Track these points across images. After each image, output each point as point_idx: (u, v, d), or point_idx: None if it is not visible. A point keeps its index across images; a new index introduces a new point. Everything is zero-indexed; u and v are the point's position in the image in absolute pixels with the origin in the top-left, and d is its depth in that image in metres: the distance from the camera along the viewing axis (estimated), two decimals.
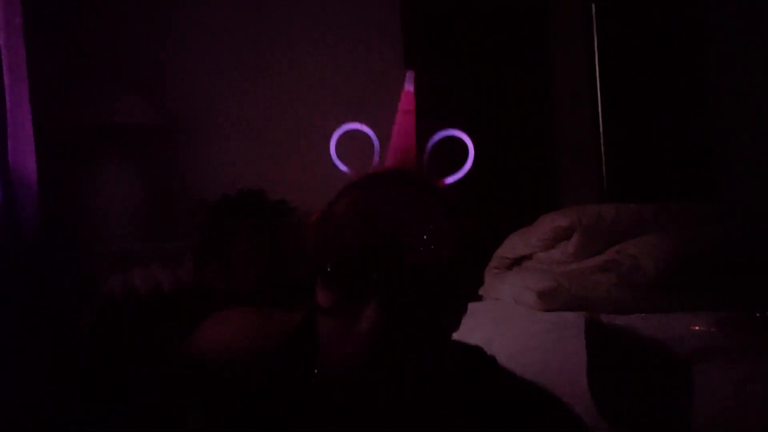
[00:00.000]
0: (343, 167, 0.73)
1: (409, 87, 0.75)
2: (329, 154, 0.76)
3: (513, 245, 2.22)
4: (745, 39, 2.61)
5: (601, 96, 2.74)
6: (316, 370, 0.72)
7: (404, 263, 0.63)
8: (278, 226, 2.17)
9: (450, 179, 0.73)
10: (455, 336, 0.74)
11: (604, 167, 2.75)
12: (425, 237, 0.64)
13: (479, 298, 2.25)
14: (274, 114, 2.38)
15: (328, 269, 0.65)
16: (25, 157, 1.65)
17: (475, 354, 0.80)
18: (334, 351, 0.66)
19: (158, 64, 2.23)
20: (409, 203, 0.66)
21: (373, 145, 0.73)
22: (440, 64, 2.61)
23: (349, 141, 0.75)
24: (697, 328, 1.50)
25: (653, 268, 1.77)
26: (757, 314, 1.55)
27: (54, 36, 2.01)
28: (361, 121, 0.75)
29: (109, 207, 1.95)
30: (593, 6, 2.75)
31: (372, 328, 0.62)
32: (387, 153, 0.74)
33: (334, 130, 0.77)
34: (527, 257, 2.19)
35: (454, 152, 0.73)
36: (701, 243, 1.84)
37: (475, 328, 1.73)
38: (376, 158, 0.73)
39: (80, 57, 2.08)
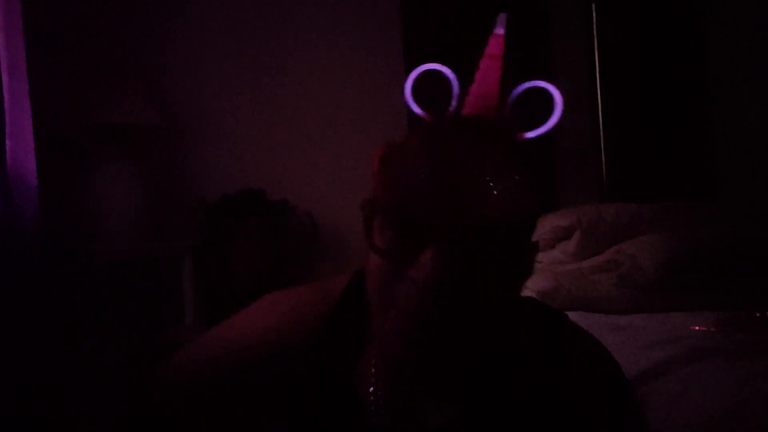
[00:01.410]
0: (417, 109, 0.68)
1: (499, 30, 0.71)
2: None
3: None
4: (745, 39, 2.61)
5: (601, 96, 2.74)
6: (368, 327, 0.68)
7: (471, 215, 0.58)
8: (278, 226, 2.17)
9: (531, 134, 0.67)
10: None
11: (604, 167, 2.75)
12: (498, 191, 0.58)
13: None
14: (275, 114, 2.38)
15: (392, 206, 0.61)
16: (25, 157, 1.65)
17: (545, 315, 0.75)
18: (387, 294, 0.61)
19: (158, 64, 2.23)
20: (485, 154, 0.61)
21: (452, 87, 0.67)
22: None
23: (426, 86, 0.70)
24: (697, 328, 1.50)
25: (653, 268, 1.77)
26: (757, 314, 1.55)
27: (54, 36, 2.00)
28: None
29: (109, 207, 1.95)
30: (593, 6, 2.75)
31: (428, 275, 0.57)
32: (467, 98, 0.69)
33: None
34: None
35: (541, 107, 0.67)
36: (701, 243, 1.84)
37: None
38: (454, 103, 0.68)
39: (80, 57, 2.08)
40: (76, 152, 2.02)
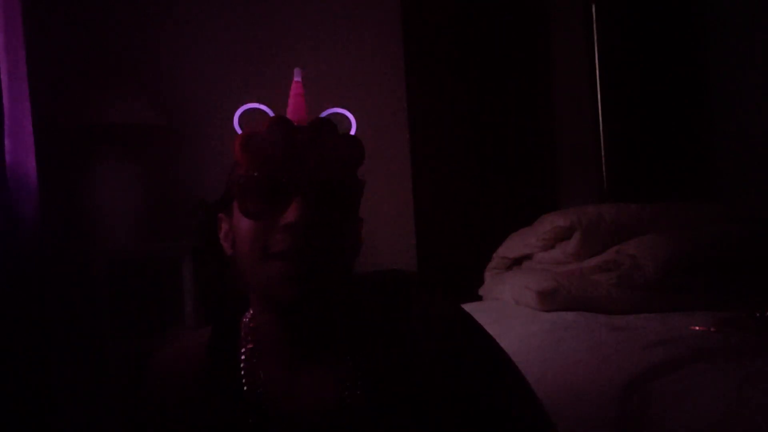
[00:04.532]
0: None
1: (297, 78, 0.95)
2: None
3: (513, 245, 2.22)
4: (745, 39, 2.61)
5: (601, 96, 2.74)
6: (242, 365, 0.83)
7: (314, 172, 0.78)
8: None
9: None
10: None
11: (604, 167, 2.75)
12: (325, 152, 0.79)
13: (479, 298, 2.25)
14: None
15: (256, 174, 0.78)
16: (25, 157, 1.65)
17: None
18: (264, 247, 0.76)
19: (158, 64, 2.22)
20: (312, 129, 0.81)
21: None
22: (440, 64, 2.61)
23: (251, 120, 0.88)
24: (697, 328, 1.50)
25: (653, 268, 1.77)
26: (757, 314, 1.55)
27: (54, 36, 2.00)
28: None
29: (109, 207, 1.95)
30: (593, 6, 2.75)
31: (298, 217, 0.74)
32: None
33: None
34: (527, 257, 2.20)
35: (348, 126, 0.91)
36: (701, 243, 1.85)
37: None
38: None
39: (80, 57, 2.08)
40: (76, 152, 2.02)
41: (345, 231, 0.80)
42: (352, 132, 0.88)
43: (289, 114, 0.90)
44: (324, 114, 0.88)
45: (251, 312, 0.87)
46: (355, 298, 0.85)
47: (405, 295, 0.86)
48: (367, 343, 0.82)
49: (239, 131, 0.84)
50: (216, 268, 2.09)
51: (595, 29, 2.75)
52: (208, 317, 2.06)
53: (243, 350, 0.84)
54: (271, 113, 0.87)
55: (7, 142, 1.61)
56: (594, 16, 2.75)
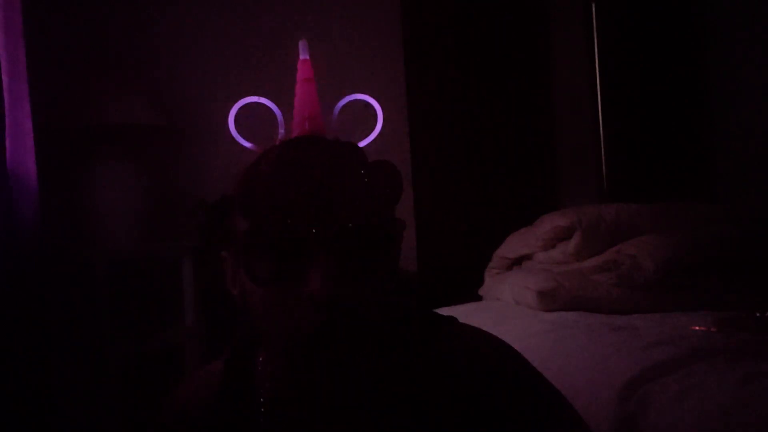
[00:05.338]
0: (245, 143, 0.69)
1: (304, 56, 0.73)
2: None
3: (513, 245, 2.22)
4: (745, 39, 2.61)
5: (601, 96, 2.74)
6: (262, 399, 0.70)
7: (338, 220, 0.60)
8: None
9: (362, 143, 0.71)
10: None
11: (604, 167, 2.75)
12: (354, 189, 0.62)
13: (479, 298, 2.25)
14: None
15: (264, 229, 0.60)
16: (25, 157, 1.65)
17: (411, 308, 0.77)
18: (281, 322, 0.61)
19: (158, 64, 2.22)
20: (334, 159, 0.63)
21: (276, 118, 0.71)
22: (440, 64, 2.61)
23: (251, 118, 0.72)
24: (697, 328, 1.50)
25: (653, 268, 1.77)
26: (757, 314, 1.55)
27: (54, 36, 2.00)
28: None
29: (109, 207, 1.95)
30: (593, 6, 2.75)
31: (324, 283, 0.58)
32: (293, 123, 0.71)
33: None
34: (527, 257, 2.19)
35: (364, 117, 0.73)
36: (701, 243, 1.84)
37: None
38: (281, 130, 0.71)
39: (80, 57, 2.08)
40: (76, 152, 2.02)
41: (383, 290, 0.63)
42: (378, 125, 0.72)
43: (298, 107, 0.73)
44: (342, 102, 0.72)
45: (265, 355, 0.73)
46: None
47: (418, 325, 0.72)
48: (395, 399, 0.67)
49: (234, 133, 0.69)
50: (216, 268, 2.09)
51: (595, 29, 2.74)
52: (209, 320, 2.06)
53: (261, 399, 0.70)
54: (274, 107, 0.72)
55: (7, 142, 1.61)
56: (594, 16, 2.74)
